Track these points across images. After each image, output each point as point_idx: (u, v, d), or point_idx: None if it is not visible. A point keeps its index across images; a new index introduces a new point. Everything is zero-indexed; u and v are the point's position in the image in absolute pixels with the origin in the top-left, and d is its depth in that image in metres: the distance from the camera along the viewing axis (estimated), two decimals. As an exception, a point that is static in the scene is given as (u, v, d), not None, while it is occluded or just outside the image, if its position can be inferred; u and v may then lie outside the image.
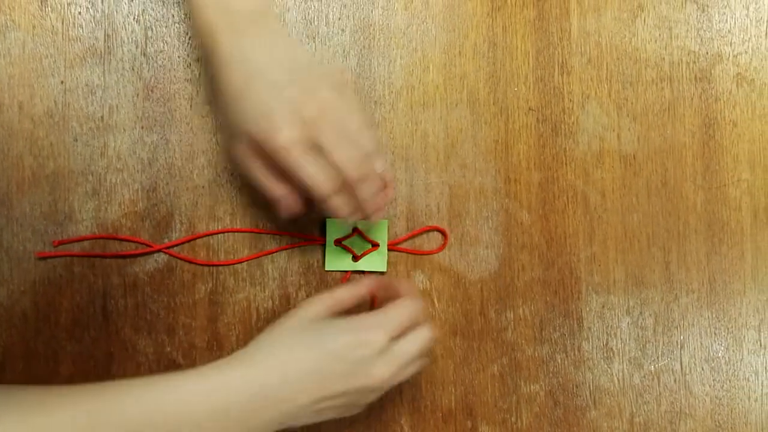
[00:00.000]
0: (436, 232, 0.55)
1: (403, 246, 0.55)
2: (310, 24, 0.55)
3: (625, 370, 0.56)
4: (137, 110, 0.53)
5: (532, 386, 0.55)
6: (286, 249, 0.54)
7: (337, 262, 0.54)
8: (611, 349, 0.56)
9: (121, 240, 0.52)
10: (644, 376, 0.56)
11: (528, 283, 0.56)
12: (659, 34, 0.58)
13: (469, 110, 0.56)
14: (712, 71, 0.58)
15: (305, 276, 0.54)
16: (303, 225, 0.54)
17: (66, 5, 0.52)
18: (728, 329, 0.57)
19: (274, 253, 0.54)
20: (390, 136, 0.55)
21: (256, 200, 0.53)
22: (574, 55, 0.57)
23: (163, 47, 0.53)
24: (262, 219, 0.54)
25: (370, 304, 0.51)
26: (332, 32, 0.55)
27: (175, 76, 0.53)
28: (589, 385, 0.56)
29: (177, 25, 0.53)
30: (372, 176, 0.47)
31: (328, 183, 0.45)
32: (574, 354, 0.56)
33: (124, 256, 0.52)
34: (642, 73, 0.58)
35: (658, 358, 0.56)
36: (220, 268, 0.53)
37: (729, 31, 0.59)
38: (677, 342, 0.57)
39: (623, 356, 0.56)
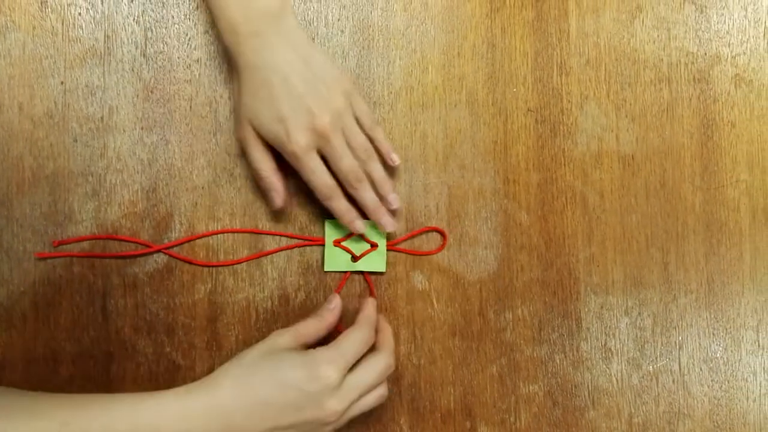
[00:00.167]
0: (435, 233, 0.55)
1: (402, 247, 0.55)
2: (310, 25, 0.55)
3: (624, 370, 0.56)
4: (137, 111, 0.53)
5: (530, 386, 0.55)
6: (285, 249, 0.54)
7: (336, 262, 0.54)
8: (610, 349, 0.56)
9: (121, 240, 0.52)
10: (643, 377, 0.56)
11: (527, 283, 0.56)
12: (658, 35, 0.58)
13: (468, 111, 0.56)
14: (711, 72, 0.58)
15: (304, 276, 0.54)
16: (303, 226, 0.54)
17: (66, 6, 0.52)
18: (726, 330, 0.57)
19: (273, 253, 0.54)
20: (389, 137, 0.55)
21: (257, 198, 0.54)
22: (573, 56, 0.57)
23: (163, 48, 0.53)
24: (261, 219, 0.54)
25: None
26: (332, 33, 0.55)
27: (174, 77, 0.53)
28: (588, 386, 0.56)
29: (177, 26, 0.54)
30: (377, 178, 0.52)
31: (331, 187, 0.50)
32: (573, 354, 0.56)
33: (123, 257, 0.52)
34: (640, 74, 0.58)
35: (656, 358, 0.57)
36: (220, 268, 0.53)
37: (727, 32, 0.59)
38: (676, 342, 0.57)
39: (622, 357, 0.56)
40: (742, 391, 0.57)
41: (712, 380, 0.57)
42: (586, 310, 0.56)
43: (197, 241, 0.53)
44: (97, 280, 0.52)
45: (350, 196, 0.52)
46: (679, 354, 0.57)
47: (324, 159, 0.50)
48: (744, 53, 0.59)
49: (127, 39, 0.53)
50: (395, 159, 0.53)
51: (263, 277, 0.54)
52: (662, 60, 0.58)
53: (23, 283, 0.51)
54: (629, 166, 0.57)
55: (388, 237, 0.54)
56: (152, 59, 0.53)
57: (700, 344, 0.57)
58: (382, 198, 0.52)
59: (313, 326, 0.49)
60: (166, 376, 0.52)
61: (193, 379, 0.45)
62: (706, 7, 0.59)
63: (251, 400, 0.43)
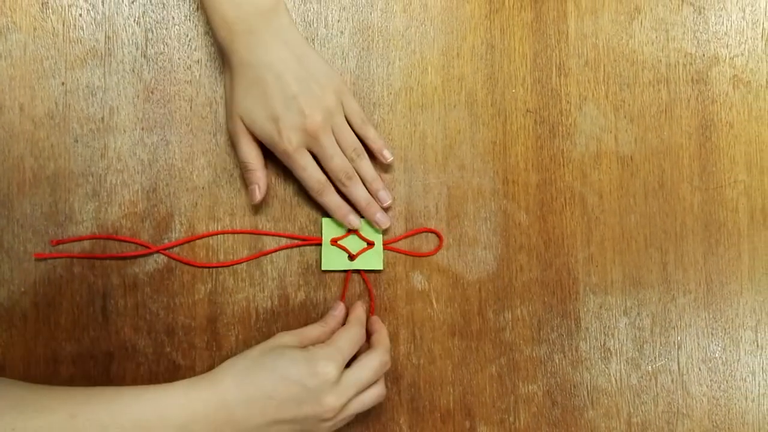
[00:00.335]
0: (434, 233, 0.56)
1: (400, 247, 0.55)
2: (310, 26, 0.55)
3: (623, 370, 0.56)
4: (137, 112, 0.53)
5: (530, 386, 0.56)
6: (284, 249, 0.54)
7: (333, 261, 0.54)
8: (609, 349, 0.56)
9: (120, 241, 0.52)
10: (642, 377, 0.56)
11: (526, 283, 0.56)
12: (656, 37, 0.58)
13: (468, 112, 0.56)
14: (709, 73, 0.59)
15: (304, 276, 0.54)
16: (302, 225, 0.54)
17: (67, 7, 0.53)
18: (725, 330, 0.57)
19: (272, 253, 0.54)
20: (389, 138, 0.55)
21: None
22: (572, 57, 0.57)
23: (163, 49, 0.53)
24: (261, 220, 0.54)
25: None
26: (331, 34, 0.55)
27: (175, 77, 0.53)
28: (587, 386, 0.56)
29: (177, 27, 0.54)
30: (367, 176, 0.53)
31: (323, 183, 0.51)
32: (572, 354, 0.56)
33: (121, 258, 0.52)
34: (639, 75, 0.58)
35: (655, 358, 0.57)
36: (220, 268, 0.53)
37: (725, 34, 0.59)
38: (674, 342, 0.57)
39: (621, 356, 0.56)
40: (740, 390, 0.57)
41: (710, 380, 0.57)
42: (585, 310, 0.56)
43: (197, 241, 0.53)
44: (98, 280, 0.52)
45: (343, 196, 0.53)
46: (677, 354, 0.57)
47: (315, 158, 0.51)
48: (742, 54, 0.59)
49: (128, 40, 0.53)
50: (388, 156, 0.53)
51: (263, 277, 0.54)
52: (661, 61, 0.58)
53: (24, 284, 0.51)
54: (628, 166, 0.57)
55: (384, 234, 0.55)
56: (153, 60, 0.53)
57: (698, 344, 0.57)
58: (373, 195, 0.53)
59: (318, 331, 0.50)
60: (166, 376, 0.52)
61: (193, 379, 0.45)
62: (704, 8, 0.59)
63: (252, 393, 0.44)
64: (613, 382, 0.56)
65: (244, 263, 0.54)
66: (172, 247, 0.53)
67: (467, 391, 0.55)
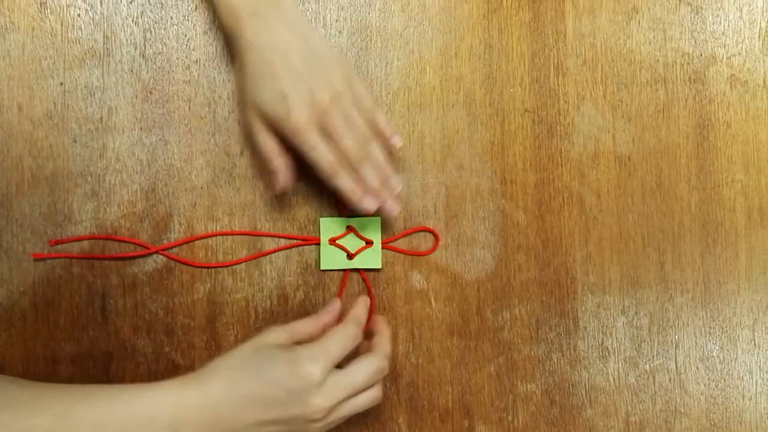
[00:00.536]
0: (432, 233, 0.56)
1: (398, 246, 0.55)
2: (308, 26, 0.55)
3: (621, 369, 0.57)
4: (136, 112, 0.53)
5: (528, 385, 0.56)
6: (283, 249, 0.54)
7: (332, 261, 0.54)
8: (607, 348, 0.57)
9: (119, 241, 0.52)
10: (639, 376, 0.57)
11: (524, 283, 0.56)
12: (653, 36, 0.59)
13: (466, 111, 0.56)
14: (706, 73, 0.59)
15: (303, 276, 0.54)
16: (301, 225, 0.54)
17: (65, 7, 0.53)
18: (723, 329, 0.58)
19: (271, 253, 0.54)
20: (387, 138, 0.55)
21: (255, 198, 0.54)
22: (570, 57, 0.58)
23: (162, 49, 0.54)
24: (260, 220, 0.54)
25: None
26: (330, 34, 0.55)
27: (173, 77, 0.54)
28: (585, 384, 0.56)
29: (175, 27, 0.54)
30: (378, 161, 0.51)
31: (335, 164, 0.49)
32: (570, 353, 0.56)
33: (120, 258, 0.52)
34: (636, 75, 0.58)
35: (653, 357, 0.57)
36: (219, 268, 0.53)
37: (723, 33, 0.59)
38: (672, 341, 0.57)
39: (619, 355, 0.57)
40: (738, 389, 0.57)
41: (708, 379, 0.57)
42: (583, 309, 0.57)
43: (196, 241, 0.53)
44: (97, 280, 0.52)
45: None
46: (675, 353, 0.57)
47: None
48: (739, 54, 0.59)
49: (126, 40, 0.53)
50: (397, 141, 0.52)
51: (262, 277, 0.54)
52: (658, 61, 0.58)
53: (23, 284, 0.51)
54: (625, 166, 0.58)
55: (386, 236, 0.55)
56: (151, 60, 0.53)
57: (696, 343, 0.57)
58: (383, 182, 0.51)
59: (310, 325, 0.49)
60: (165, 376, 0.52)
61: (193, 379, 0.45)
62: (701, 8, 0.59)
63: (238, 394, 0.44)
64: (611, 381, 0.56)
65: (243, 263, 0.54)
66: (171, 248, 0.53)
67: (466, 390, 0.55)
